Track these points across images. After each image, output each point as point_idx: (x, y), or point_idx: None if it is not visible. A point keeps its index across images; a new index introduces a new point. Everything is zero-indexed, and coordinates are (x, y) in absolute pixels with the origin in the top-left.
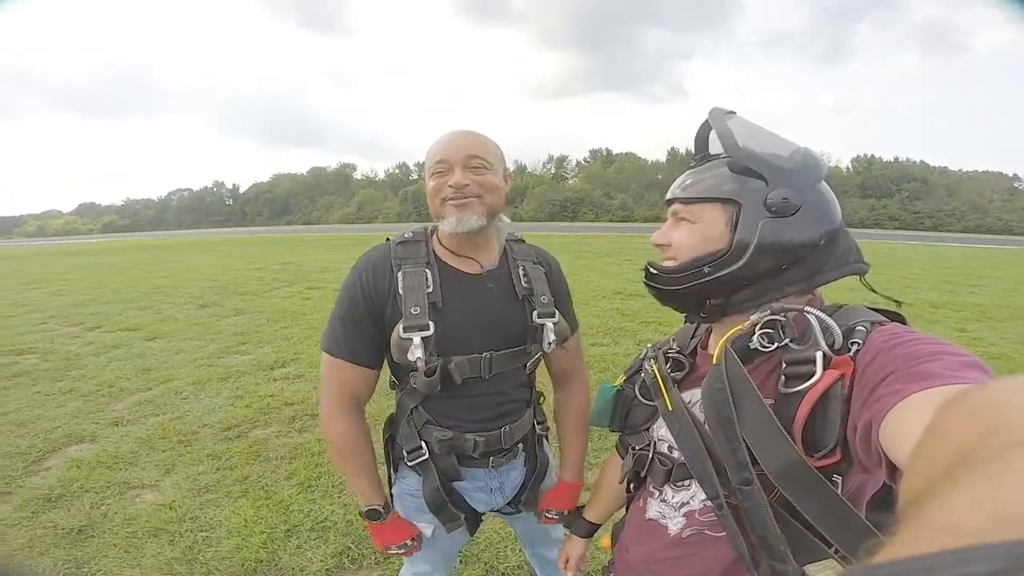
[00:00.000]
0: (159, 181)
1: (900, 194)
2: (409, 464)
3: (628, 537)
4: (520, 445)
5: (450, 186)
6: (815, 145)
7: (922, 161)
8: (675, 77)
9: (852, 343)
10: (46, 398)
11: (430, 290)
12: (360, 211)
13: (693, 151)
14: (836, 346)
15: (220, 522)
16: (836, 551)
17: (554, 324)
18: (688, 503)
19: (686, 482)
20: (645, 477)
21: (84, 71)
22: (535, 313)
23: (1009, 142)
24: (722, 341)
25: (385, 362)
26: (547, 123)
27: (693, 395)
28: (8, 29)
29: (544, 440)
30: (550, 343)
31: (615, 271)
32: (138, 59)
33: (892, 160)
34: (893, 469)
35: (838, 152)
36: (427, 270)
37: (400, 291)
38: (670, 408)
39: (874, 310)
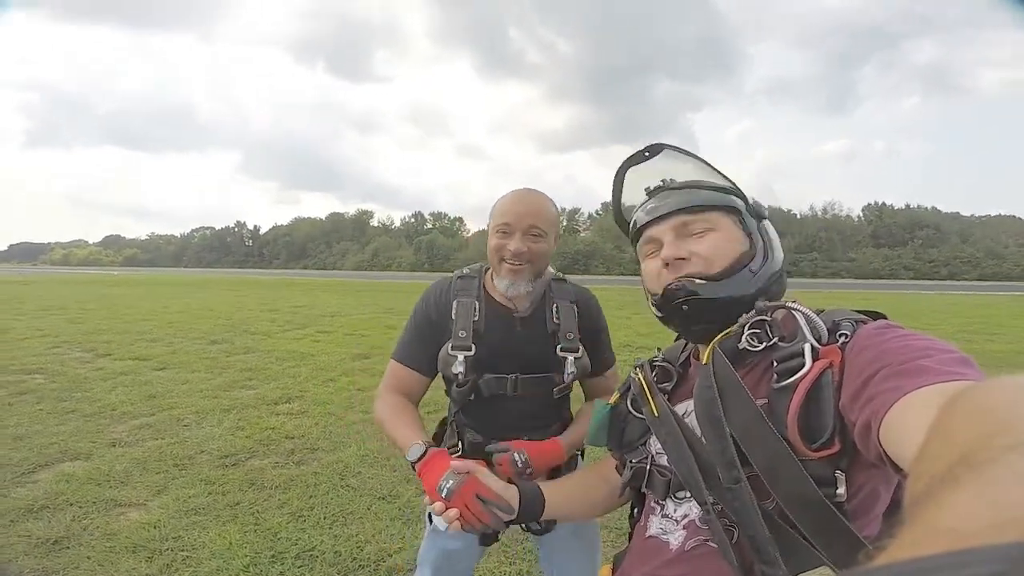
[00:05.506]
0: (183, 218)
1: (914, 242)
2: None
3: (629, 562)
4: None
5: (510, 251)
6: (825, 194)
7: (933, 207)
8: (685, 128)
9: (840, 335)
10: (48, 416)
11: (476, 319)
12: (375, 258)
13: (650, 187)
14: (823, 341)
15: (204, 544)
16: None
17: (576, 359)
18: (689, 515)
19: (686, 493)
20: (645, 496)
21: (130, 103)
22: (559, 347)
23: (1020, 185)
24: (712, 343)
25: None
26: (559, 175)
27: (687, 406)
28: (67, 55)
29: (573, 461)
30: (569, 373)
31: (624, 323)
32: (179, 94)
33: (903, 207)
34: (897, 466)
35: (849, 201)
36: (476, 302)
37: (454, 316)
38: (656, 414)
39: (857, 312)
